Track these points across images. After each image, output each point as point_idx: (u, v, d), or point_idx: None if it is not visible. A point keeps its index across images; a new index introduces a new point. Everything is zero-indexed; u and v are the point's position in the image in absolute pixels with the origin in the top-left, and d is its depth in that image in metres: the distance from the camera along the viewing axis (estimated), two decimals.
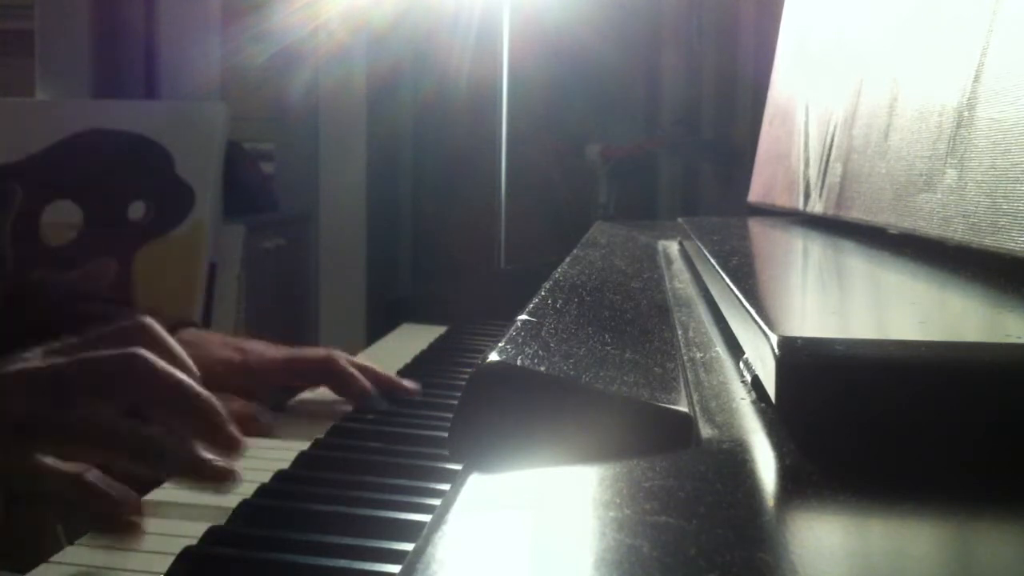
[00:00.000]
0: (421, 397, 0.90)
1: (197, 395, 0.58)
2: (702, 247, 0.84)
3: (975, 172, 0.63)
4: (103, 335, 0.61)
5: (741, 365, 0.54)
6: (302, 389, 0.94)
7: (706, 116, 2.99)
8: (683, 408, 0.46)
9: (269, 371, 0.88)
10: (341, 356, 0.89)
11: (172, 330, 0.88)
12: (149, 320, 0.62)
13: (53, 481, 0.56)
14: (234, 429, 0.59)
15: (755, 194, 1.37)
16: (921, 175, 0.72)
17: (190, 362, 0.62)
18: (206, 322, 2.19)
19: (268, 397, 0.92)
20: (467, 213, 2.91)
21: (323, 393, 0.95)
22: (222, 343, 0.89)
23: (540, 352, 0.50)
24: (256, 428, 0.82)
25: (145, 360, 0.58)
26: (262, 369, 0.88)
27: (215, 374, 0.84)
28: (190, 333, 0.90)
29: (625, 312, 0.70)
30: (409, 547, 0.51)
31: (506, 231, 2.38)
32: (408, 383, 0.90)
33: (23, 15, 2.99)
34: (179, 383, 0.58)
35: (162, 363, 0.59)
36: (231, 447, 0.58)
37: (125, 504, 0.57)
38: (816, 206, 1.03)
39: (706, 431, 0.45)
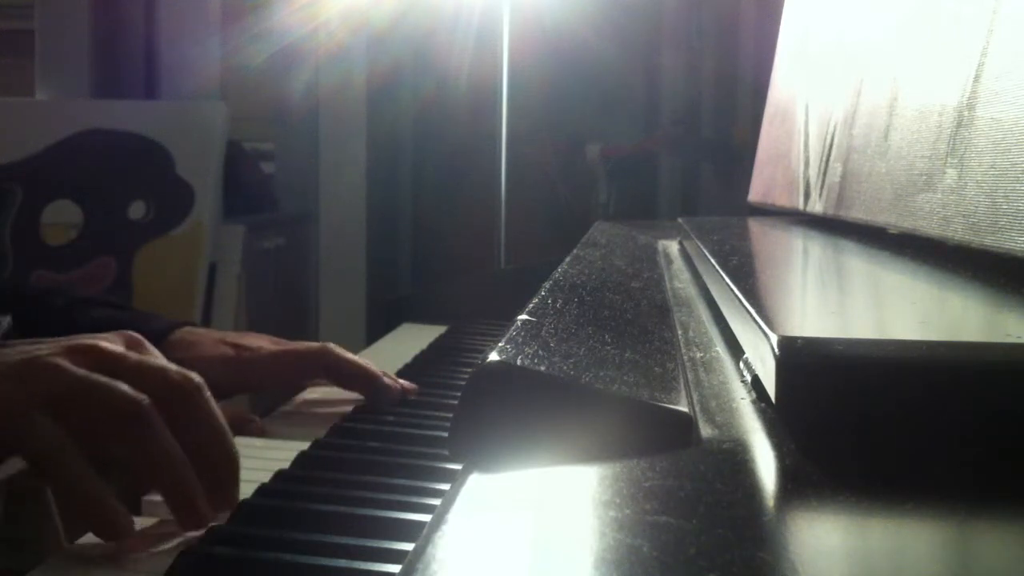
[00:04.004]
0: (421, 397, 0.90)
1: (175, 472, 0.58)
2: (702, 247, 0.84)
3: (975, 172, 0.63)
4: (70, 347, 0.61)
5: (741, 365, 0.54)
6: (302, 387, 0.94)
7: (706, 116, 2.99)
8: (683, 408, 0.46)
9: (264, 365, 0.88)
10: (333, 346, 0.88)
11: (169, 330, 0.88)
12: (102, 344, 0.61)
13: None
14: (202, 508, 0.58)
15: (755, 194, 1.37)
16: (921, 175, 0.72)
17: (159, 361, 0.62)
18: (206, 322, 2.19)
19: (267, 390, 0.91)
20: (467, 213, 2.91)
21: (323, 393, 0.95)
22: (218, 340, 0.89)
23: (540, 352, 0.50)
24: (249, 429, 0.82)
25: (147, 421, 0.57)
26: (257, 364, 0.88)
27: (210, 374, 0.84)
28: (185, 331, 0.90)
29: (625, 312, 0.70)
30: (409, 547, 0.51)
31: (506, 231, 2.38)
32: (403, 383, 0.90)
33: (23, 15, 2.99)
34: (163, 456, 0.58)
35: (160, 433, 0.58)
36: (191, 526, 0.58)
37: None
38: (816, 206, 1.03)
39: (706, 431, 0.45)
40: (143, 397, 0.57)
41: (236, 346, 0.89)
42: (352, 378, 0.88)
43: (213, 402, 0.61)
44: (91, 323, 0.90)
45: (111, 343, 0.61)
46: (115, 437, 0.57)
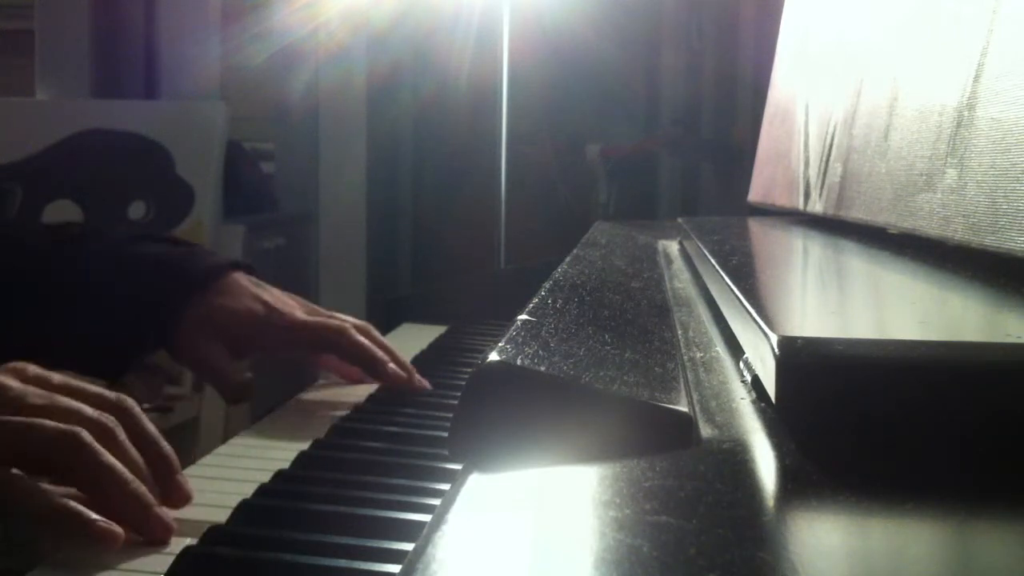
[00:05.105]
0: (421, 397, 0.90)
1: (127, 485, 0.59)
2: (702, 247, 0.84)
3: (975, 172, 0.63)
4: (88, 393, 0.64)
5: (741, 365, 0.54)
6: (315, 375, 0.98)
7: (706, 116, 2.99)
8: (683, 408, 0.46)
9: (281, 332, 0.92)
10: (354, 331, 0.91)
11: (220, 273, 0.92)
12: (130, 402, 0.64)
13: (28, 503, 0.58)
14: (164, 514, 0.59)
15: (755, 194, 1.37)
16: (921, 175, 0.72)
17: (160, 443, 0.64)
18: None
19: (283, 355, 0.98)
20: (467, 213, 2.91)
21: (323, 393, 0.95)
22: (255, 296, 0.92)
23: (540, 352, 0.50)
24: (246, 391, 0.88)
25: (87, 444, 0.59)
26: (276, 328, 0.91)
27: (233, 327, 0.90)
28: (233, 278, 0.92)
29: (625, 312, 0.70)
30: (409, 547, 0.51)
31: (506, 231, 2.38)
32: (418, 381, 0.92)
33: (23, 15, 2.99)
34: (112, 472, 0.59)
35: (102, 451, 0.59)
36: (162, 534, 0.59)
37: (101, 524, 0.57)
38: (816, 206, 1.03)
39: (706, 431, 0.45)
40: (74, 428, 0.59)
41: (268, 307, 0.92)
42: (359, 361, 0.91)
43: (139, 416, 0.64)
44: (149, 257, 0.92)
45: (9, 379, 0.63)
46: (56, 466, 0.59)
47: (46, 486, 0.59)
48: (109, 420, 0.62)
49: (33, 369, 0.65)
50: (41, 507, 0.57)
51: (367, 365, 0.91)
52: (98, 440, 0.59)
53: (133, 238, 0.94)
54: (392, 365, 0.90)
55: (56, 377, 0.65)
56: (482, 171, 2.51)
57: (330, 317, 0.94)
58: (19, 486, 0.58)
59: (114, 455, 0.60)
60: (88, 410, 0.62)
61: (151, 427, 0.64)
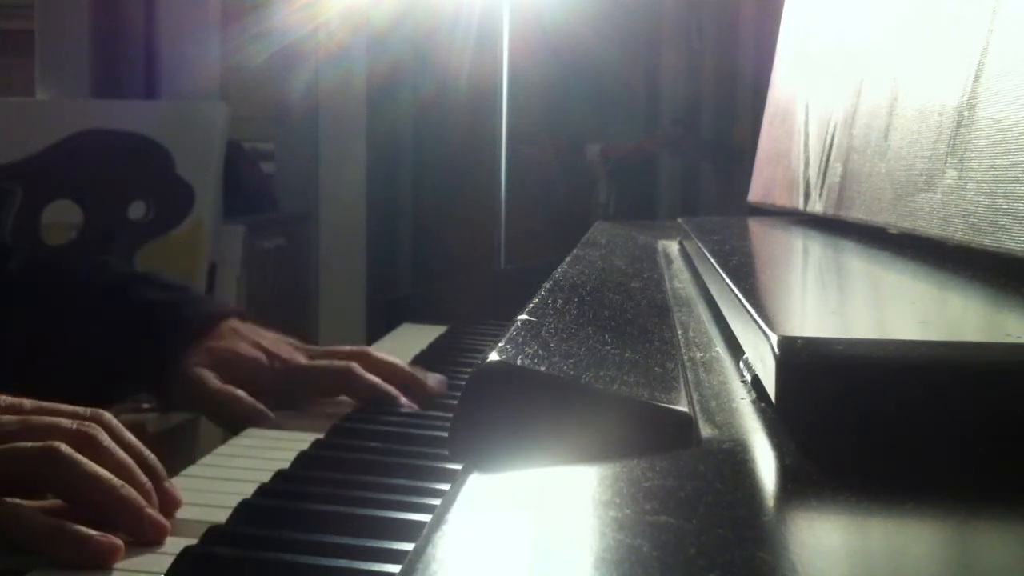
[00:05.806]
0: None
1: (115, 491, 0.59)
2: (702, 247, 0.84)
3: (975, 172, 0.63)
4: (62, 412, 0.63)
5: (741, 365, 0.54)
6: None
7: (706, 116, 2.99)
8: (683, 408, 0.46)
9: (293, 380, 0.90)
10: (357, 365, 0.89)
11: (217, 319, 0.90)
12: (107, 416, 0.64)
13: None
14: (156, 515, 0.59)
15: (755, 194, 1.37)
16: (921, 175, 0.72)
17: (142, 451, 0.64)
18: None
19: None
20: (467, 213, 2.91)
21: None
22: (254, 343, 0.91)
23: (540, 352, 0.50)
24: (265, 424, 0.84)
25: (67, 457, 0.59)
26: (286, 378, 0.90)
27: (240, 372, 0.88)
28: (231, 325, 0.92)
29: (625, 312, 0.70)
30: (409, 547, 0.51)
31: (506, 231, 2.38)
32: (431, 382, 0.91)
33: (23, 15, 2.99)
34: (96, 480, 0.59)
35: (84, 461, 0.59)
36: (156, 535, 0.59)
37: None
38: (816, 206, 1.03)
39: (706, 431, 0.45)
40: (51, 442, 0.59)
41: (270, 354, 0.91)
42: (372, 398, 0.89)
43: (114, 423, 0.64)
44: (145, 302, 0.91)
45: None
46: (42, 483, 0.59)
47: (33, 504, 0.59)
48: (89, 428, 0.61)
49: (2, 399, 0.64)
50: (36, 532, 0.56)
51: (382, 401, 0.88)
52: (79, 450, 0.59)
53: (128, 277, 0.93)
54: (404, 399, 0.88)
55: (27, 402, 0.64)
56: (482, 171, 2.51)
57: (327, 354, 0.93)
58: (11, 513, 0.57)
59: (99, 462, 0.59)
60: (65, 422, 0.61)
61: (131, 437, 0.64)
